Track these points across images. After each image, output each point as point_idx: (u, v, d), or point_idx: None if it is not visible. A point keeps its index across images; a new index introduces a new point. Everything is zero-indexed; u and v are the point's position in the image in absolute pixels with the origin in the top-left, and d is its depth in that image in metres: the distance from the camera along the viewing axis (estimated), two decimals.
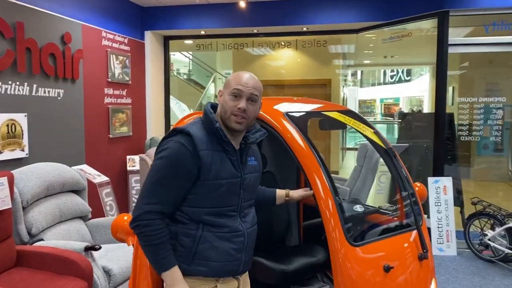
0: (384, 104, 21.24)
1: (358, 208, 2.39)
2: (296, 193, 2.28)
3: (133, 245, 2.10)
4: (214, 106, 1.82)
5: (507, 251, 4.29)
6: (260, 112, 2.48)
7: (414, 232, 2.28)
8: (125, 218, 2.09)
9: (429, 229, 4.92)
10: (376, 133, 2.60)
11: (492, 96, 5.39)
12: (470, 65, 6.39)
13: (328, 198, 2.10)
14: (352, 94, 11.05)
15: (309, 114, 2.78)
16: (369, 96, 20.47)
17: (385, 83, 20.62)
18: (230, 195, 1.71)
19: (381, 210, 2.65)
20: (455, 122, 5.55)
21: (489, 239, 4.46)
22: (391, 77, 20.38)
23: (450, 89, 6.27)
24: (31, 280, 2.79)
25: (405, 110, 16.24)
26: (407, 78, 19.27)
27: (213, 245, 1.66)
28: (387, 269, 2.04)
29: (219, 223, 1.68)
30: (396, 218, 2.51)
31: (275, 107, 2.60)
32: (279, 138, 2.32)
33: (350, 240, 2.04)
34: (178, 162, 1.62)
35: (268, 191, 2.24)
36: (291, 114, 2.46)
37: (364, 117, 2.85)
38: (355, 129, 2.58)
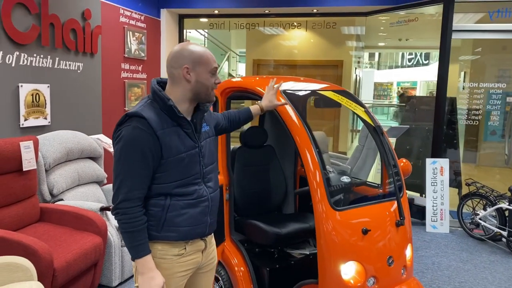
0: (401, 88, 21.06)
1: (345, 178, 2.66)
2: (266, 100, 2.42)
3: None
4: (160, 82, 1.86)
5: (496, 230, 4.51)
6: (259, 88, 2.76)
7: (395, 203, 2.53)
8: None
9: (424, 207, 5.16)
10: (367, 112, 2.83)
11: (502, 82, 5.49)
12: (482, 51, 6.46)
13: (316, 170, 2.37)
14: (368, 76, 11.02)
15: (305, 92, 2.99)
16: (385, 79, 20.28)
17: (402, 66, 20.41)
18: (192, 165, 1.81)
19: (368, 183, 2.90)
20: (465, 107, 5.63)
21: (480, 219, 4.68)
22: (409, 60, 20.15)
23: (462, 74, 6.37)
24: (53, 233, 3.13)
25: (422, 94, 16.13)
26: (425, 62, 19.05)
27: (180, 212, 1.79)
28: (365, 232, 2.31)
29: (186, 192, 1.79)
30: (380, 190, 2.76)
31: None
32: (275, 113, 2.57)
33: (333, 205, 2.30)
34: (140, 146, 1.68)
35: (243, 112, 2.41)
36: (288, 91, 2.70)
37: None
38: (347, 107, 2.81)
